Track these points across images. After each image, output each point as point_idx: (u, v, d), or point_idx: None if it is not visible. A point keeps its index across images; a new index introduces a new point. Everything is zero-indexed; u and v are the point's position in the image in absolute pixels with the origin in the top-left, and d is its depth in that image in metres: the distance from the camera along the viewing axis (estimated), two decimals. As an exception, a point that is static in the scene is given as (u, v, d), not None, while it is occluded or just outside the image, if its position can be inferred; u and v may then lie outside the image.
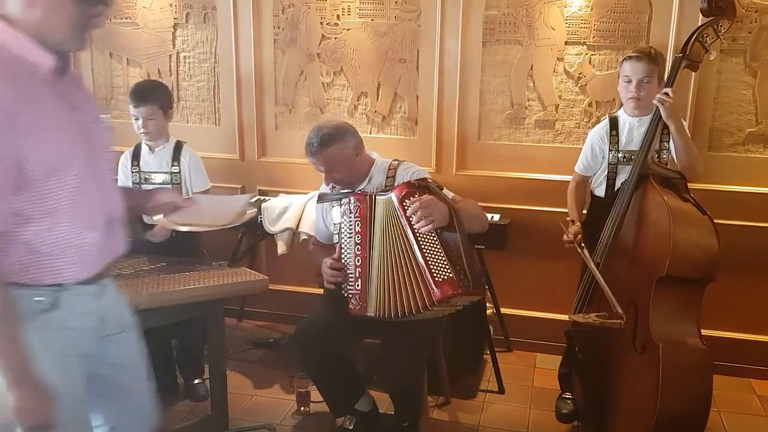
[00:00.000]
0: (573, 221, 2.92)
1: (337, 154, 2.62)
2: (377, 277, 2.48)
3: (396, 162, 2.77)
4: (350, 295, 2.55)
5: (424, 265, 2.36)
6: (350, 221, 2.54)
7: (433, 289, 2.33)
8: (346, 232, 2.56)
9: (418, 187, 2.47)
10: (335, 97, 3.85)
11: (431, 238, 2.37)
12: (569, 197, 3.06)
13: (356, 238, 2.52)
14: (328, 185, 2.73)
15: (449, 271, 2.33)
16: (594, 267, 2.66)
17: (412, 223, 2.38)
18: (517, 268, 3.66)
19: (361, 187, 2.71)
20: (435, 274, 2.33)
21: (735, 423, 3.11)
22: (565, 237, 2.84)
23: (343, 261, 2.56)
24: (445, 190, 2.62)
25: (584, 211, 3.06)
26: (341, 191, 2.70)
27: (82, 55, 4.16)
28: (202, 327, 2.96)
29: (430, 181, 2.59)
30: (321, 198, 2.79)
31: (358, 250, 2.52)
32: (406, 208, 2.41)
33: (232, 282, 2.59)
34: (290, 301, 4.02)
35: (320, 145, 2.60)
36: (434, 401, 3.21)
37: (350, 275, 2.55)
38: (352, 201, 2.53)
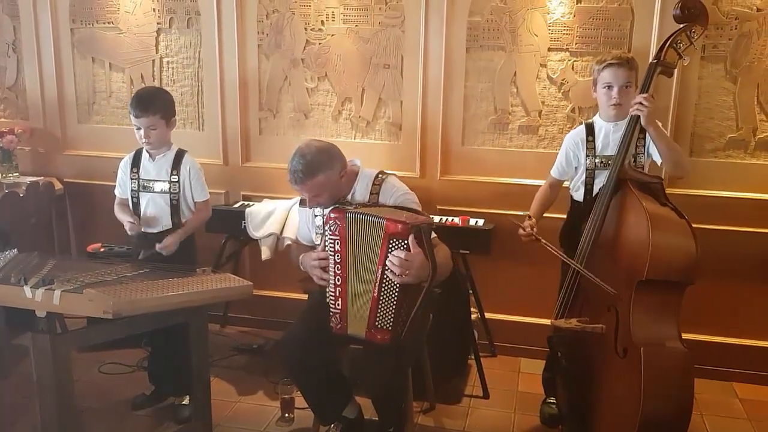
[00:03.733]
0: (529, 216, 2.91)
1: (323, 182, 2.56)
2: (353, 297, 2.47)
3: (382, 176, 2.72)
4: (331, 313, 2.53)
5: (374, 306, 2.41)
6: (330, 240, 2.49)
7: (370, 329, 2.43)
8: (328, 248, 2.52)
9: (414, 234, 2.33)
10: (319, 103, 3.85)
11: (394, 286, 2.38)
12: (538, 195, 3.06)
13: (336, 257, 2.49)
14: (310, 208, 2.69)
15: (390, 323, 2.40)
16: (569, 260, 2.68)
17: (386, 265, 2.36)
18: (501, 273, 3.67)
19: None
20: (377, 319, 2.41)
21: (717, 426, 3.14)
22: (520, 231, 2.83)
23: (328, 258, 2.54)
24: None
25: (564, 215, 3.07)
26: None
27: (63, 59, 4.14)
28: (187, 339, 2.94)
29: (430, 221, 2.49)
30: (303, 202, 2.77)
31: (338, 269, 2.49)
32: (390, 248, 2.35)
33: (215, 288, 2.56)
34: (274, 307, 4.00)
35: (306, 176, 2.53)
36: (419, 406, 3.21)
37: (331, 293, 2.52)
38: (331, 219, 2.48)
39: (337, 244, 2.47)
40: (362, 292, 2.45)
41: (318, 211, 2.67)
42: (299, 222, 2.89)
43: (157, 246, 2.98)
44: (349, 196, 2.68)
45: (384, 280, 2.38)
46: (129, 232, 3.01)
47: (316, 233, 2.72)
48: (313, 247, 2.74)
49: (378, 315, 2.41)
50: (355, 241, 2.44)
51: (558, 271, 2.93)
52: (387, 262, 2.35)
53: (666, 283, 2.44)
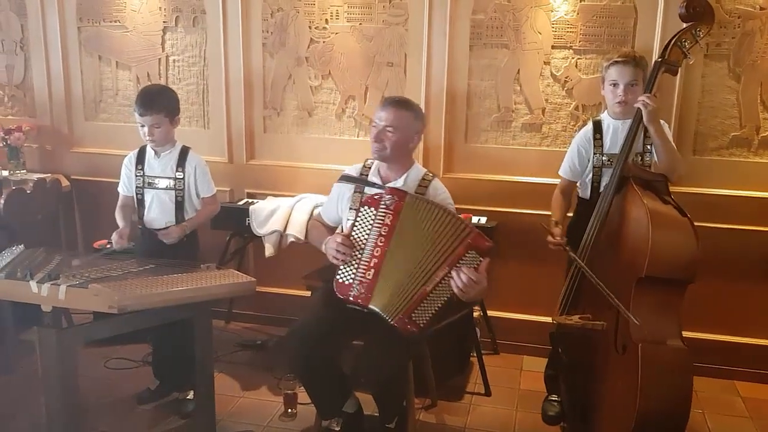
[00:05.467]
0: (557, 223, 2.91)
1: (406, 122, 2.66)
2: (393, 275, 2.48)
3: (430, 175, 2.77)
4: (356, 281, 2.51)
5: (419, 298, 2.44)
6: (382, 213, 2.50)
7: (404, 317, 2.44)
8: (369, 220, 2.52)
9: (489, 257, 2.43)
10: (323, 101, 3.86)
11: (448, 292, 2.43)
12: (554, 201, 3.06)
13: (382, 230, 2.49)
14: (374, 141, 2.69)
15: (425, 320, 2.44)
16: (585, 266, 2.64)
17: (454, 274, 2.39)
18: (504, 270, 3.67)
19: (395, 184, 2.69)
20: (417, 312, 2.44)
21: (719, 424, 3.14)
22: (550, 238, 2.84)
23: (353, 240, 2.54)
24: None
25: (569, 214, 3.08)
26: (368, 182, 2.73)
27: (70, 57, 4.17)
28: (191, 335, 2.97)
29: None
30: (344, 178, 2.79)
31: (380, 242, 2.50)
32: (465, 257, 2.40)
33: (219, 284, 2.59)
34: (278, 303, 4.03)
35: (400, 104, 2.69)
36: (421, 403, 3.22)
37: (363, 262, 2.52)
38: (389, 194, 2.52)
39: (389, 218, 2.50)
40: (408, 278, 2.45)
41: (360, 188, 2.73)
42: (329, 198, 2.90)
43: (160, 233, 3.01)
44: (402, 183, 2.71)
45: (442, 283, 2.42)
46: (114, 245, 3.01)
47: (350, 208, 2.72)
48: (333, 228, 2.79)
49: (419, 309, 2.44)
50: (415, 224, 2.47)
51: (562, 268, 2.94)
52: (457, 274, 2.38)
53: (666, 281, 2.44)
